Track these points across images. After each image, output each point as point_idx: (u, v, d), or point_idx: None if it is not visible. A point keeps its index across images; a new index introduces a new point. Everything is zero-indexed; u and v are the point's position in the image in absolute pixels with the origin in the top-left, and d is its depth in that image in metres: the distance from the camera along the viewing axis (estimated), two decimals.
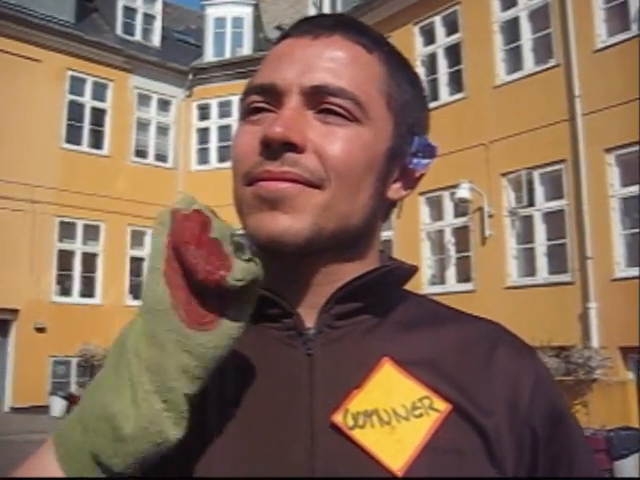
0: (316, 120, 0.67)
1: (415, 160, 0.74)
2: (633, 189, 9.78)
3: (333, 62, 0.68)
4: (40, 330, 13.85)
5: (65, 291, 14.86)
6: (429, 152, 0.75)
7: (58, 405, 13.36)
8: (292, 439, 0.62)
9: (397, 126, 0.72)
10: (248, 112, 0.70)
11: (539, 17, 11.44)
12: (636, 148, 9.64)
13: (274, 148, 0.64)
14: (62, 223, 14.78)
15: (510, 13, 11.87)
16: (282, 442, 0.62)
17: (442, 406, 0.63)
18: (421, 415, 0.63)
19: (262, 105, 0.69)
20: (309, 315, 0.68)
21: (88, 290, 15.11)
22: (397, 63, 0.76)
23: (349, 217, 0.68)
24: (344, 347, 0.67)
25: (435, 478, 0.60)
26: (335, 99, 0.66)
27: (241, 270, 0.56)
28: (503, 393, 0.66)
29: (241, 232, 0.63)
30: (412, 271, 0.76)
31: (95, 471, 0.56)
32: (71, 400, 13.21)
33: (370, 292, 0.69)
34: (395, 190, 0.76)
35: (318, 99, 0.67)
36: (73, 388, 13.96)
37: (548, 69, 11.02)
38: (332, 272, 0.69)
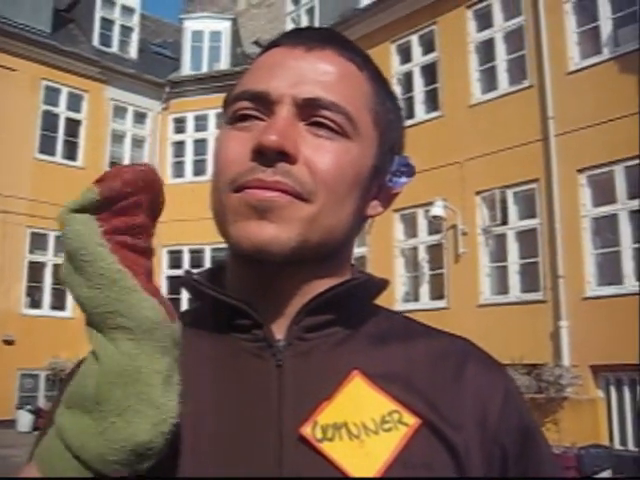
0: (307, 132, 0.67)
1: (394, 179, 0.76)
2: (604, 209, 9.93)
3: (326, 76, 0.68)
4: (8, 342, 13.60)
5: (35, 303, 14.64)
6: (408, 171, 0.77)
7: (25, 419, 13.11)
8: (260, 451, 0.62)
9: (381, 144, 0.73)
10: (235, 118, 0.70)
11: (514, 39, 11.62)
12: (607, 169, 9.82)
13: (268, 156, 0.64)
14: (33, 234, 14.59)
15: (485, 34, 12.03)
16: (250, 454, 0.62)
17: (411, 420, 0.63)
18: (390, 429, 0.62)
19: (251, 112, 0.68)
20: (280, 326, 0.68)
21: (59, 302, 14.90)
22: (382, 82, 0.77)
23: (333, 231, 0.68)
24: (314, 359, 0.67)
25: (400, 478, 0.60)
26: (327, 112, 0.67)
27: None
28: (473, 409, 0.67)
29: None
30: (383, 285, 0.75)
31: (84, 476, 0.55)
32: (39, 414, 12.96)
33: (341, 304, 0.69)
34: (373, 207, 0.78)
35: (310, 111, 0.67)
36: (41, 402, 13.70)
37: (522, 90, 11.17)
38: (307, 284, 0.69)
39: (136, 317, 0.55)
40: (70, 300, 14.92)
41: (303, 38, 0.71)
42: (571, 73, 10.49)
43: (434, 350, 0.71)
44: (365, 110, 0.71)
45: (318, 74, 0.68)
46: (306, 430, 0.62)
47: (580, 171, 10.13)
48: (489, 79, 11.92)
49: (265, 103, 0.68)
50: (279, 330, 0.68)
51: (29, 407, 13.27)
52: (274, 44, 0.73)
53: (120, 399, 0.53)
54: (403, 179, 0.77)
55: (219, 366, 0.67)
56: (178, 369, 0.57)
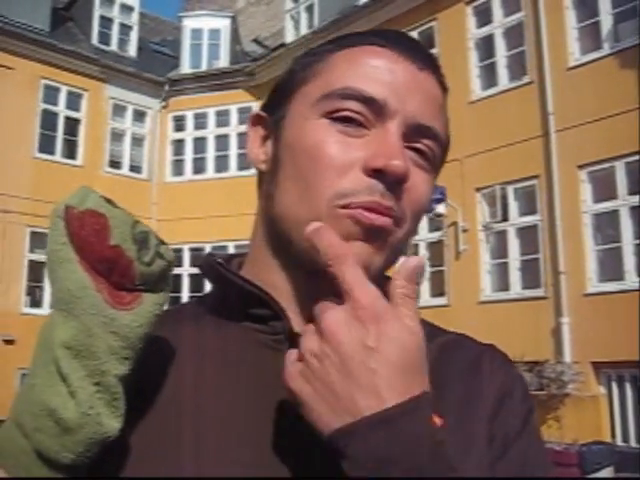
0: (409, 158, 0.65)
1: (434, 205, 0.73)
2: (605, 205, 9.91)
3: (434, 103, 0.67)
4: (8, 342, 13.59)
5: (35, 302, 14.62)
6: (442, 199, 0.75)
7: None
8: (279, 453, 0.60)
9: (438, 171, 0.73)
10: (338, 117, 0.64)
11: (513, 35, 11.60)
12: (608, 165, 9.80)
13: (391, 181, 0.62)
14: (33, 233, 14.56)
15: (485, 30, 12.01)
16: (267, 446, 0.60)
17: (436, 420, 0.59)
18: None
19: (357, 117, 0.64)
20: (300, 320, 0.66)
21: None
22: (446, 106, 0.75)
23: (401, 252, 0.69)
24: None
25: None
26: (431, 143, 0.66)
27: (147, 275, 0.57)
28: (486, 404, 0.67)
29: (139, 221, 0.59)
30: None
31: (43, 470, 0.55)
32: None
33: None
34: None
35: (416, 136, 0.65)
36: None
37: (522, 86, 11.15)
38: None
39: (61, 288, 0.56)
40: None
41: (411, 51, 0.68)
42: (571, 69, 10.46)
43: (456, 346, 0.72)
44: (446, 141, 0.71)
45: (428, 99, 0.67)
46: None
47: (581, 167, 10.12)
48: (489, 75, 11.89)
49: (378, 111, 0.64)
50: (298, 324, 0.65)
51: None
52: (378, 43, 0.68)
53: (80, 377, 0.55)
54: (437, 205, 0.74)
55: (232, 356, 0.65)
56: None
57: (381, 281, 0.65)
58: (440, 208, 11.42)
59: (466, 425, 0.65)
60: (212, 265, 0.70)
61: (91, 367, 0.55)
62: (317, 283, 0.62)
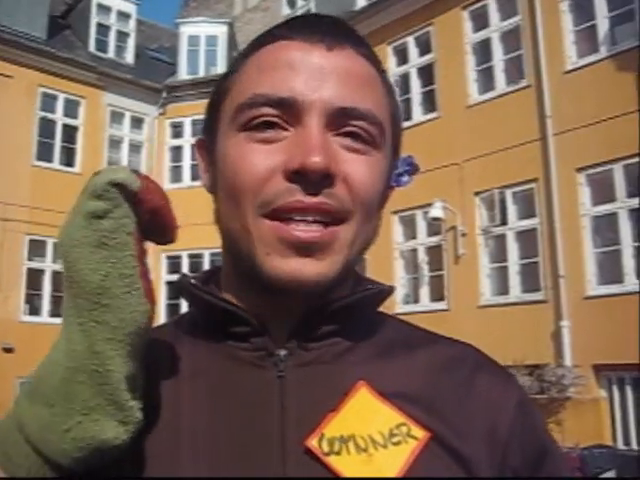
0: (340, 145, 0.62)
1: (399, 178, 0.71)
2: (604, 208, 9.91)
3: (354, 80, 0.63)
4: (7, 350, 13.55)
5: (34, 310, 14.59)
6: (411, 169, 0.73)
7: None
8: (263, 465, 0.58)
9: (394, 147, 0.70)
10: (252, 126, 0.62)
11: (510, 38, 11.61)
12: (606, 167, 9.81)
13: (312, 180, 0.59)
14: (32, 241, 14.54)
15: (482, 34, 12.02)
16: (251, 470, 0.58)
17: (420, 434, 0.60)
18: (399, 443, 0.59)
19: (274, 120, 0.62)
20: (281, 335, 0.64)
21: (58, 310, 14.84)
22: (387, 77, 0.71)
23: (364, 248, 0.67)
24: (317, 370, 0.63)
25: None
26: (362, 123, 0.63)
27: None
28: (483, 421, 0.64)
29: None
30: (389, 293, 0.72)
31: (43, 469, 0.54)
32: None
33: (345, 314, 0.65)
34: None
35: (343, 121, 0.62)
36: None
37: (520, 89, 11.16)
38: (320, 298, 0.64)
39: (126, 319, 0.53)
40: None
41: (318, 33, 0.64)
42: (568, 72, 10.47)
43: (441, 359, 0.69)
44: (387, 115, 0.67)
45: (345, 78, 0.62)
46: (312, 442, 0.58)
47: (579, 170, 10.12)
48: (486, 79, 11.90)
49: (291, 110, 0.61)
50: (280, 339, 0.64)
51: None
52: (282, 36, 0.65)
53: (88, 399, 0.53)
54: (406, 178, 0.72)
55: (214, 377, 0.64)
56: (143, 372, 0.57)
57: (351, 282, 0.68)
58: (438, 212, 11.42)
59: (454, 441, 0.62)
60: (186, 286, 0.68)
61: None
62: (283, 300, 0.63)
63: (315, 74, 0.62)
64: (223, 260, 0.71)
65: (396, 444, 0.59)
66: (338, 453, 0.58)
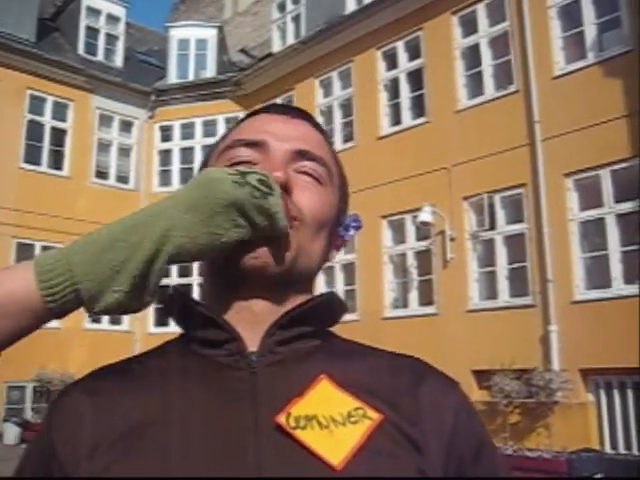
0: (296, 177, 0.80)
1: (350, 232, 0.89)
2: (591, 213, 9.96)
3: (308, 137, 0.84)
4: None
5: None
6: (357, 226, 0.90)
7: (12, 432, 12.97)
8: (240, 441, 0.68)
9: (341, 198, 0.87)
10: (230, 161, 0.81)
11: (499, 44, 11.67)
12: (593, 173, 9.86)
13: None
14: (20, 245, 14.47)
15: (471, 40, 12.08)
16: (231, 443, 0.68)
17: (375, 415, 0.70)
18: (356, 422, 0.69)
19: (248, 159, 0.80)
20: (253, 341, 0.75)
21: None
22: (334, 151, 0.91)
23: (312, 257, 0.80)
24: (285, 368, 0.74)
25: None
26: (313, 164, 0.81)
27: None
28: (429, 416, 0.73)
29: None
30: (339, 299, 0.85)
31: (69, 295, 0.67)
32: (26, 427, 12.83)
33: (306, 321, 0.78)
34: (332, 253, 0.89)
35: (299, 162, 0.81)
36: (28, 414, 13.58)
37: (508, 95, 11.22)
38: (278, 303, 0.78)
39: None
40: None
41: (285, 109, 0.87)
42: (556, 78, 10.54)
43: (391, 364, 0.79)
44: (335, 170, 0.87)
45: (302, 135, 0.83)
46: (281, 419, 0.68)
47: (567, 175, 10.17)
48: (475, 84, 11.96)
49: (262, 150, 0.80)
50: (251, 344, 0.75)
51: (15, 419, 13.12)
52: (259, 112, 0.88)
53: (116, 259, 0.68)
54: (352, 231, 0.89)
55: (198, 378, 0.74)
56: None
57: (301, 286, 0.81)
58: (427, 217, 11.45)
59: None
60: (169, 300, 0.82)
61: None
62: (252, 291, 0.77)
63: (280, 128, 0.83)
64: (204, 280, 0.84)
65: (353, 423, 0.69)
66: (304, 428, 0.68)
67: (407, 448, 0.69)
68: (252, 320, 0.76)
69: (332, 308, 0.83)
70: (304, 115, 0.88)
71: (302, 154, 0.81)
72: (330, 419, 0.70)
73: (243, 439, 0.68)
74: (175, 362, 0.76)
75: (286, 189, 0.75)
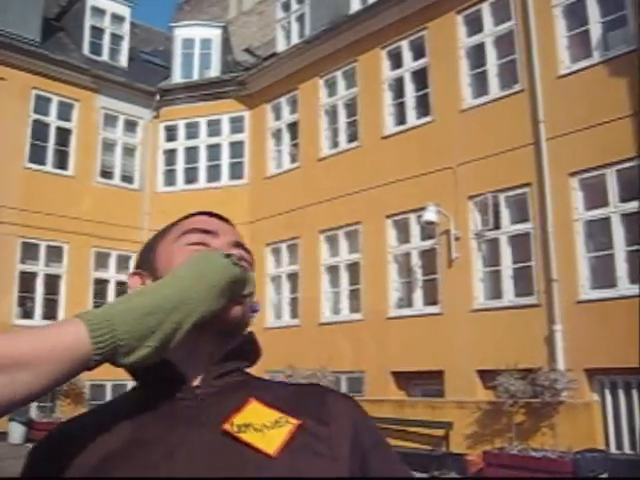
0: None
1: (254, 307, 1.08)
2: (596, 212, 9.94)
3: (236, 233, 1.12)
4: None
5: (27, 313, 14.54)
6: (255, 308, 1.09)
7: (17, 431, 13.01)
8: (195, 444, 0.90)
9: None
10: (190, 242, 1.05)
11: (504, 43, 11.65)
12: (599, 172, 9.84)
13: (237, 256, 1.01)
14: (25, 244, 14.50)
15: (476, 39, 12.06)
16: (191, 448, 0.89)
17: (294, 421, 0.93)
18: (282, 425, 0.92)
19: (203, 240, 1.05)
20: (195, 377, 0.98)
21: (51, 312, 14.81)
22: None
23: (248, 317, 1.05)
24: (223, 394, 0.97)
25: None
26: (245, 253, 1.08)
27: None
28: (336, 419, 0.96)
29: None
30: (253, 338, 1.07)
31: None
32: (31, 426, 12.86)
33: (235, 359, 1.02)
34: None
35: (237, 248, 1.07)
36: (33, 414, 13.60)
37: (513, 94, 11.20)
38: (219, 346, 1.00)
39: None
40: (61, 310, 14.85)
41: (214, 214, 1.13)
42: (562, 77, 10.52)
43: (301, 389, 1.04)
44: (250, 255, 1.12)
45: (233, 231, 1.11)
46: (227, 426, 0.91)
47: (572, 175, 10.15)
48: (480, 84, 11.94)
49: (213, 236, 1.06)
50: (195, 380, 0.98)
51: (20, 418, 13.15)
52: (193, 215, 1.12)
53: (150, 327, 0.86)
54: (256, 308, 1.09)
55: (157, 410, 0.95)
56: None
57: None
58: (431, 216, 11.44)
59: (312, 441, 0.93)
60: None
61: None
62: (205, 343, 0.99)
63: (220, 224, 1.10)
64: None
65: (280, 426, 0.92)
66: (244, 432, 0.90)
67: (322, 442, 0.92)
68: (197, 364, 0.99)
69: (249, 354, 1.05)
70: (223, 218, 1.14)
71: (238, 245, 1.09)
72: (262, 425, 0.92)
73: (204, 448, 0.89)
74: (134, 404, 0.96)
75: (241, 259, 1.01)
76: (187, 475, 0.85)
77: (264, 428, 0.91)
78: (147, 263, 1.07)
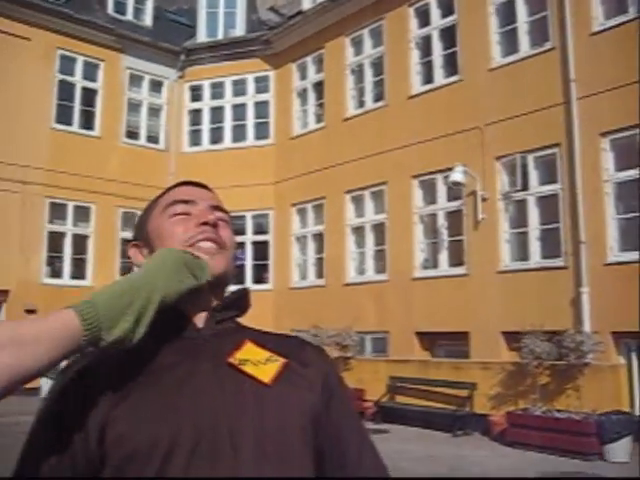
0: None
1: (239, 257, 1.56)
2: (627, 173, 9.75)
3: (214, 197, 1.28)
4: (30, 312, 13.75)
5: (55, 273, 14.77)
6: (241, 257, 1.55)
7: (49, 387, 13.30)
8: (204, 373, 1.08)
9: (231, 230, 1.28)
10: (174, 213, 1.21)
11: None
12: (631, 132, 9.62)
13: (210, 225, 1.19)
14: (53, 204, 14.66)
15: None
16: (201, 377, 1.08)
17: (281, 360, 1.15)
18: (273, 362, 1.14)
19: (184, 210, 1.22)
20: (200, 322, 1.17)
21: (79, 272, 15.03)
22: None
23: (231, 270, 1.23)
24: (222, 337, 1.16)
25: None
26: (222, 214, 1.25)
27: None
28: (313, 365, 1.19)
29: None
30: (247, 293, 1.26)
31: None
32: None
33: (230, 309, 1.21)
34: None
35: (215, 212, 1.23)
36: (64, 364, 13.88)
37: (544, 52, 10.94)
38: (214, 298, 1.19)
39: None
40: (90, 269, 15.05)
41: (194, 183, 1.30)
42: (595, 34, 10.24)
43: (286, 339, 1.26)
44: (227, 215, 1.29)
45: (210, 196, 1.27)
46: (231, 360, 1.11)
47: (603, 135, 9.96)
48: (510, 41, 11.67)
49: (192, 205, 1.23)
50: (199, 323, 1.17)
51: (52, 375, 13.37)
52: (174, 187, 1.29)
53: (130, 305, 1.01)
54: (242, 257, 1.57)
55: (168, 348, 1.12)
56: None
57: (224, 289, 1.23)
58: (458, 177, 11.33)
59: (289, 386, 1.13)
60: None
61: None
62: (207, 291, 1.16)
63: (199, 192, 1.27)
64: None
65: (272, 362, 1.14)
66: (244, 365, 1.11)
67: (302, 378, 1.14)
68: (200, 307, 1.17)
69: (242, 302, 1.24)
70: (204, 186, 1.31)
71: (215, 207, 1.25)
72: (257, 361, 1.13)
73: (210, 376, 1.08)
74: (148, 341, 1.07)
75: (214, 225, 1.19)
76: (198, 399, 1.05)
77: (259, 363, 1.12)
78: (141, 234, 1.26)
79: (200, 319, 1.17)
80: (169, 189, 1.29)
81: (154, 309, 1.03)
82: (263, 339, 1.20)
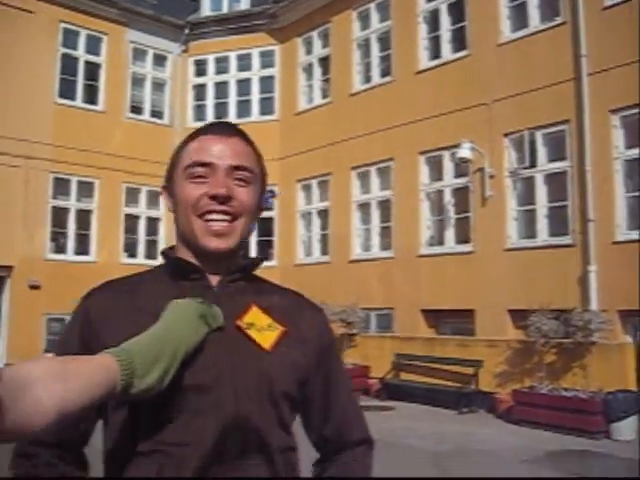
0: (234, 182, 1.28)
1: (268, 200, 1.35)
2: (637, 151, 9.64)
3: (239, 152, 1.30)
4: (34, 287, 13.75)
5: (59, 248, 14.73)
6: (273, 195, 1.80)
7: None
8: (217, 335, 1.23)
9: (262, 184, 1.36)
10: (192, 176, 1.28)
11: None
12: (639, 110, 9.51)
13: (220, 199, 1.25)
14: (56, 179, 14.57)
15: None
16: (210, 340, 1.22)
17: (281, 328, 1.28)
18: (273, 330, 1.28)
19: (201, 173, 1.27)
20: (214, 280, 1.30)
21: (82, 247, 14.98)
22: (259, 152, 1.38)
23: (246, 235, 1.32)
24: (233, 295, 1.29)
25: None
26: (242, 173, 1.29)
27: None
28: (312, 329, 1.35)
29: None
30: (262, 260, 1.40)
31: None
32: None
33: (243, 271, 1.34)
34: (258, 214, 1.39)
35: (234, 171, 1.28)
36: None
37: (554, 27, 10.77)
38: (227, 260, 1.30)
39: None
40: (94, 245, 15.02)
41: (221, 130, 1.33)
42: (606, 8, 10.06)
43: (287, 300, 1.37)
44: (257, 169, 1.34)
45: (234, 151, 1.29)
46: (239, 322, 1.26)
47: (613, 112, 9.83)
48: (519, 16, 11.49)
49: (210, 167, 1.27)
50: (214, 282, 1.30)
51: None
52: (204, 132, 1.33)
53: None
54: (270, 200, 1.78)
55: (174, 297, 1.24)
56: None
57: (242, 253, 1.35)
58: (466, 153, 11.22)
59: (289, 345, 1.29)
60: (164, 252, 1.38)
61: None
62: (211, 259, 1.30)
63: (220, 150, 1.29)
64: (177, 240, 1.35)
65: (272, 330, 1.28)
66: (249, 329, 1.26)
67: (298, 343, 1.30)
68: (215, 269, 1.30)
69: (256, 264, 1.37)
70: (237, 132, 1.35)
71: (235, 168, 1.28)
72: (261, 327, 1.27)
73: (219, 335, 1.23)
74: (163, 286, 1.30)
75: (228, 197, 1.25)
76: (209, 353, 1.21)
77: (262, 329, 1.27)
78: (169, 181, 1.35)
79: (215, 279, 1.30)
80: (199, 132, 1.34)
81: (179, 362, 1.14)
82: (268, 301, 1.33)
